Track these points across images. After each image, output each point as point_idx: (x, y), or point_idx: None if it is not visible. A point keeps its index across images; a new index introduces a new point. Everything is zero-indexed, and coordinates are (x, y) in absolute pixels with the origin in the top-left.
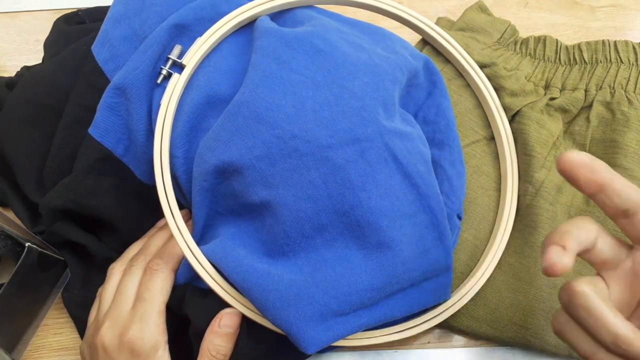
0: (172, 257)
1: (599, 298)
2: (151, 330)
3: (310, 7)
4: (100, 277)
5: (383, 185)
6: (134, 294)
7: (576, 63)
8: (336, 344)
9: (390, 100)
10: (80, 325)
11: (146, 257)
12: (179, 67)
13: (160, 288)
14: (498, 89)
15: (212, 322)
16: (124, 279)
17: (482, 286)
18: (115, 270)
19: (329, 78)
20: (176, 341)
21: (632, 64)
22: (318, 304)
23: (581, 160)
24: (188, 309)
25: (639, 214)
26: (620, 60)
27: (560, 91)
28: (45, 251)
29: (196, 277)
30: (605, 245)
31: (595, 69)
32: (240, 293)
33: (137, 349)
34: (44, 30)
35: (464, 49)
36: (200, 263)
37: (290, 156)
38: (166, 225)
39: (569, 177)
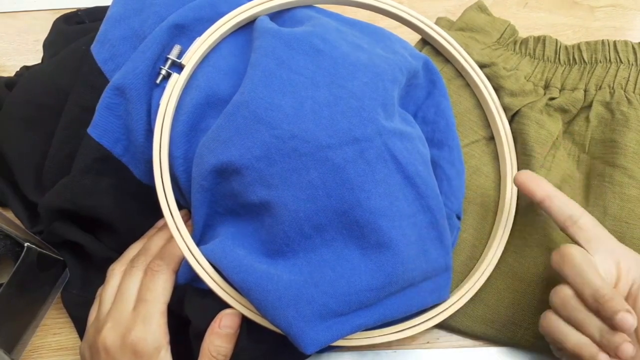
0: (173, 258)
1: (586, 259)
2: (154, 331)
3: (309, 7)
4: (99, 277)
5: (382, 185)
6: (135, 294)
7: (576, 63)
8: (335, 344)
9: (390, 100)
10: (80, 326)
11: (147, 258)
12: (178, 67)
13: (162, 289)
14: (497, 89)
15: (212, 323)
16: (125, 279)
17: (481, 286)
18: (116, 271)
19: (328, 78)
20: (176, 342)
21: (632, 64)
22: (317, 304)
23: (531, 174)
24: (188, 309)
25: (583, 217)
26: (620, 60)
27: (560, 91)
28: (44, 251)
29: (196, 277)
30: None
31: (594, 69)
32: (240, 293)
33: (140, 350)
34: (43, 30)
35: (464, 49)
36: (199, 264)
37: (289, 156)
38: (166, 225)
39: (523, 188)
